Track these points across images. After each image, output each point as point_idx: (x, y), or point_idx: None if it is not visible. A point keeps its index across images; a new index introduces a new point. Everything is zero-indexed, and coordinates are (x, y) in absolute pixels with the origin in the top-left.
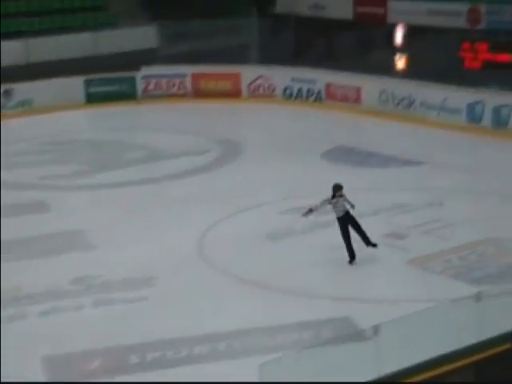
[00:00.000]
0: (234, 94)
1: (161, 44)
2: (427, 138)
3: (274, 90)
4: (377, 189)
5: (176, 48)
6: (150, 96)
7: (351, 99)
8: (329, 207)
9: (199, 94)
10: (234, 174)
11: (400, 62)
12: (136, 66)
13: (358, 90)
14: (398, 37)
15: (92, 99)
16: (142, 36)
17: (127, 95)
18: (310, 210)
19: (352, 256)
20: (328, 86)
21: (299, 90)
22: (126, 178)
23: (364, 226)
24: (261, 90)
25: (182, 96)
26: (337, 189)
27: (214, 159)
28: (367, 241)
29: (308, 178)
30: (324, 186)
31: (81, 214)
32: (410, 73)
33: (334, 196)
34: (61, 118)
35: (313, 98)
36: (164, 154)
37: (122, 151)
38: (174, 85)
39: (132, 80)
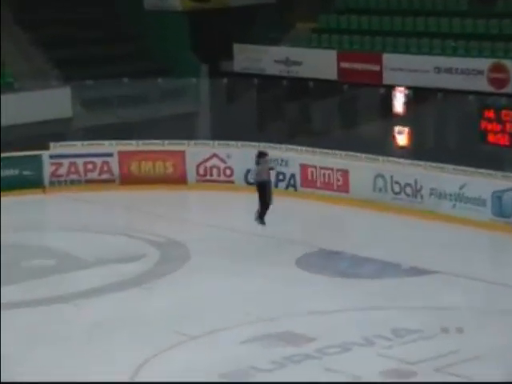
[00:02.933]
0: (176, 179)
1: (76, 112)
2: (438, 237)
3: (231, 174)
4: (371, 308)
5: (97, 118)
6: (61, 183)
7: (335, 186)
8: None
9: (129, 179)
10: (177, 289)
11: (401, 137)
12: (42, 143)
13: (345, 174)
14: (398, 103)
15: None
16: (50, 101)
17: (30, 182)
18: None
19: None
20: (304, 168)
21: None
22: (24, 296)
23: (355, 361)
24: (214, 174)
25: (106, 182)
26: (263, 155)
27: (149, 268)
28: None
29: (278, 292)
30: (301, 304)
31: None
32: (414, 151)
33: (258, 162)
34: None
35: (284, 184)
36: (79, 261)
37: (20, 258)
38: (94, 167)
39: (37, 161)
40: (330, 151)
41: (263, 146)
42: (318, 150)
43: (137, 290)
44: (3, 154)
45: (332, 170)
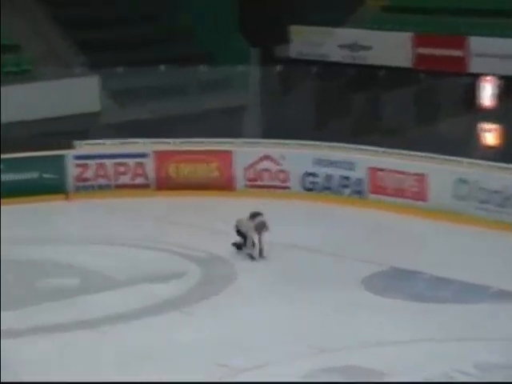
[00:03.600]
0: (221, 184)
1: (105, 106)
2: None
3: (286, 179)
4: (451, 338)
5: (129, 112)
6: (87, 188)
7: (409, 193)
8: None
9: (167, 184)
10: (221, 314)
11: (488, 136)
12: (65, 142)
13: (421, 180)
14: (485, 95)
15: None
16: (74, 93)
17: (51, 186)
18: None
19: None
20: (372, 172)
21: (327, 178)
22: (40, 321)
23: None
24: (265, 179)
25: (140, 188)
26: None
27: (189, 289)
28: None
29: (342, 319)
30: (369, 333)
31: None
32: (504, 152)
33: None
34: None
35: (348, 191)
36: (107, 280)
37: (36, 276)
38: (125, 170)
39: (59, 163)
40: (403, 152)
41: (324, 146)
42: (389, 150)
43: (174, 314)
44: (20, 155)
45: (406, 174)
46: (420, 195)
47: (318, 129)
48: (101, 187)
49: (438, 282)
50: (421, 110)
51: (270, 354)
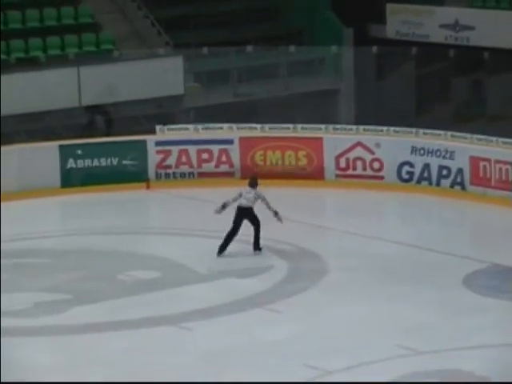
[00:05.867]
0: (311, 173)
1: (189, 89)
2: None
3: (380, 168)
4: None
5: (214, 95)
6: (169, 175)
7: None
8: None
9: (252, 172)
10: (310, 312)
11: None
12: (146, 126)
13: None
14: None
15: (71, 181)
16: (157, 74)
17: (131, 174)
18: (223, 207)
19: (222, 249)
20: (475, 161)
21: (425, 168)
22: (120, 316)
23: None
24: (358, 168)
25: (224, 176)
26: (253, 182)
27: (275, 284)
28: (256, 245)
29: (441, 320)
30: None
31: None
32: None
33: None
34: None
35: (448, 182)
36: (190, 273)
37: (116, 268)
38: (209, 157)
39: (140, 149)
40: (508, 140)
41: (422, 133)
42: (493, 138)
43: (259, 311)
44: (98, 140)
45: (511, 164)
46: None
47: (417, 115)
48: (183, 175)
49: None
50: None
51: (362, 356)
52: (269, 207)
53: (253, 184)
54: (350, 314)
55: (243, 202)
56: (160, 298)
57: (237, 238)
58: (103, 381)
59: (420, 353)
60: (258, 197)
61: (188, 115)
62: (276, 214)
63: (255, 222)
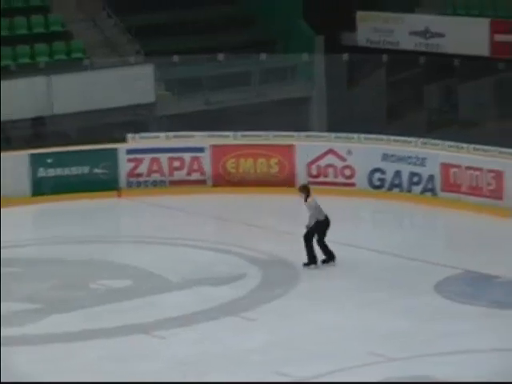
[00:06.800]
0: (283, 180)
1: (160, 97)
2: None
3: (351, 176)
4: None
5: (185, 103)
6: (140, 184)
7: (486, 192)
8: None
9: (224, 180)
10: (283, 320)
11: None
12: (117, 135)
13: (499, 177)
14: None
15: (42, 190)
16: (128, 83)
17: (102, 183)
18: (311, 230)
19: (312, 261)
20: (446, 168)
21: (396, 174)
22: (92, 325)
23: None
24: (330, 175)
25: (196, 184)
26: (305, 191)
27: (248, 292)
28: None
29: (413, 327)
30: (443, 342)
31: None
32: None
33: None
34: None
35: (419, 188)
36: (161, 282)
37: (88, 277)
38: (181, 165)
39: (111, 157)
40: (479, 147)
41: (393, 140)
42: (464, 145)
43: (232, 319)
44: (69, 149)
45: (482, 170)
46: (497, 194)
47: (388, 122)
48: (154, 183)
49: None
50: (499, 101)
51: (335, 363)
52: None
53: (309, 194)
54: (323, 322)
55: (320, 215)
56: (133, 306)
57: (211, 246)
58: None
59: (392, 359)
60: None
61: (160, 123)
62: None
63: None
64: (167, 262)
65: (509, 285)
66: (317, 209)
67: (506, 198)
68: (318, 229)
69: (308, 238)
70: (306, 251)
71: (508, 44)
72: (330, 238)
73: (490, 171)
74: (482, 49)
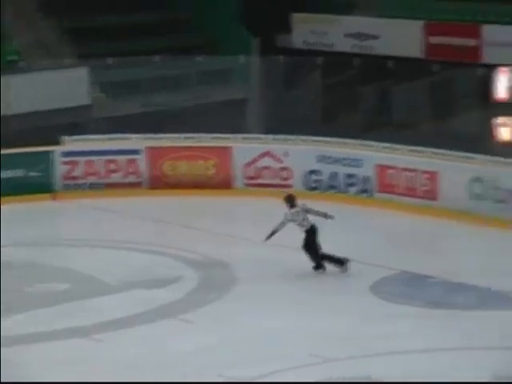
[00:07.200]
0: (219, 182)
1: (95, 99)
2: None
3: (288, 177)
4: (469, 347)
5: (121, 106)
6: (75, 187)
7: (420, 192)
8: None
9: (161, 183)
10: (220, 322)
11: (504, 131)
12: (52, 137)
13: (433, 177)
14: (501, 87)
15: None
16: (63, 85)
17: (37, 185)
18: (272, 233)
19: (319, 265)
20: (381, 169)
21: (332, 176)
22: (28, 329)
23: None
24: (266, 177)
25: (132, 187)
26: (289, 201)
27: (185, 295)
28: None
29: (351, 327)
30: (379, 342)
31: None
32: None
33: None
34: None
35: (355, 189)
36: (98, 285)
37: (23, 281)
38: (117, 168)
39: (46, 160)
40: (414, 148)
41: (329, 142)
42: (399, 146)
43: (170, 322)
44: (3, 151)
45: (417, 171)
46: (431, 194)
47: (324, 124)
48: (90, 186)
49: (453, 286)
50: (433, 103)
51: (275, 364)
52: (318, 214)
53: (293, 204)
54: (261, 324)
55: (305, 224)
56: (70, 310)
57: (147, 248)
58: None
59: (331, 360)
60: (307, 212)
61: (96, 126)
62: (326, 215)
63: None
64: (104, 265)
65: (443, 285)
66: (296, 219)
67: (441, 198)
68: (307, 237)
69: (306, 248)
70: (311, 258)
71: (442, 46)
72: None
73: (425, 172)
74: (416, 51)
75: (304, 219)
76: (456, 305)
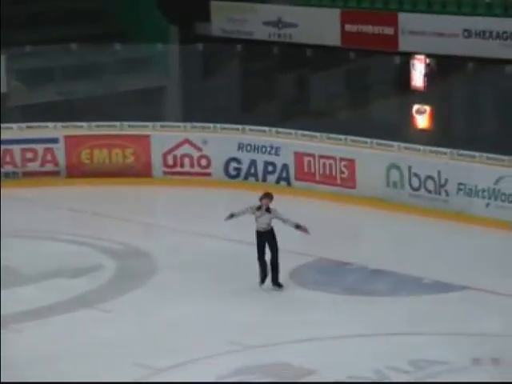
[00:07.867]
0: (138, 171)
1: (11, 87)
2: (468, 244)
3: (207, 165)
4: (384, 333)
5: (38, 94)
6: None
7: (338, 180)
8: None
9: (79, 171)
10: (139, 311)
11: (421, 118)
12: None
13: (351, 165)
14: (417, 75)
15: None
16: None
17: None
18: (231, 216)
19: (263, 276)
20: (299, 157)
21: (252, 164)
22: None
23: None
24: (186, 165)
25: (49, 175)
26: (264, 198)
27: (104, 284)
28: (275, 279)
29: (269, 314)
30: (297, 329)
31: None
32: (438, 136)
33: (259, 207)
34: None
35: (274, 177)
36: (15, 275)
37: None
38: (34, 156)
39: None
40: (331, 136)
41: (248, 130)
42: (316, 134)
43: (88, 311)
44: None
45: (335, 159)
46: (349, 182)
47: (243, 112)
48: (7, 175)
49: (370, 273)
50: (350, 91)
51: (194, 353)
52: (287, 222)
53: (264, 199)
54: (179, 313)
55: (261, 227)
56: None
57: (66, 238)
58: None
59: (249, 347)
60: (276, 217)
61: (12, 114)
62: (298, 227)
63: (274, 247)
64: (21, 255)
65: (360, 271)
66: (258, 215)
67: (358, 185)
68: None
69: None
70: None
71: (358, 34)
72: (187, 229)
73: (343, 159)
74: (334, 39)
75: (266, 222)
76: (372, 291)
